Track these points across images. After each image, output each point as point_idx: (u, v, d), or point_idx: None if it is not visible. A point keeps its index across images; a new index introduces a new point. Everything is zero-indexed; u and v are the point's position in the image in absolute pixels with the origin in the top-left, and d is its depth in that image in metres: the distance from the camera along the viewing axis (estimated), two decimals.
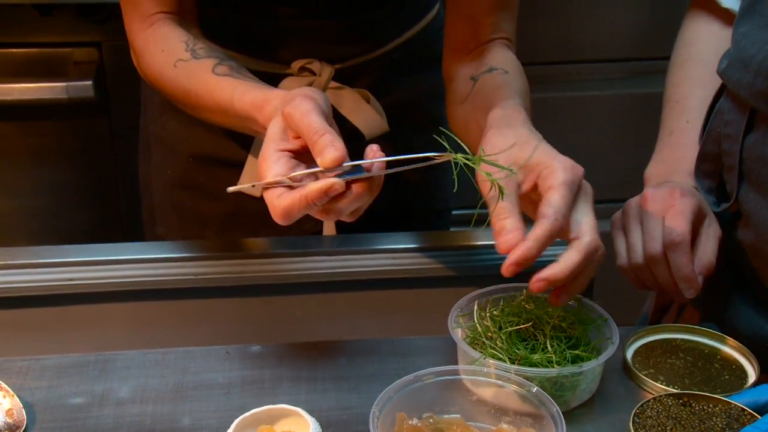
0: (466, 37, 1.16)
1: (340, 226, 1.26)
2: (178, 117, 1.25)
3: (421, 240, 1.15)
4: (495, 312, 1.00)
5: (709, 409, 0.90)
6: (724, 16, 1.18)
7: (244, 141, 1.23)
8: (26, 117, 1.91)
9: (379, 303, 1.17)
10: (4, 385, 0.94)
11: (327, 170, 0.88)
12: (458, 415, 0.92)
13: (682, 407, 0.91)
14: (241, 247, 1.16)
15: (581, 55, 2.10)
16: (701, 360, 1.01)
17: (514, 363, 0.93)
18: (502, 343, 0.95)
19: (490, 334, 0.97)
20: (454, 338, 0.96)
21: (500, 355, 0.94)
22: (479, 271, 1.15)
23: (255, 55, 1.20)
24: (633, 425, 0.88)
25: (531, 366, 0.92)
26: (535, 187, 0.92)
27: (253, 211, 1.26)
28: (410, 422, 0.88)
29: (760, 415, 0.88)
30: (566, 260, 0.89)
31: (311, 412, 0.90)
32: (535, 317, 0.97)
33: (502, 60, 1.12)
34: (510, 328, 0.96)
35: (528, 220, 0.92)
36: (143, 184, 1.38)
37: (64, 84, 1.83)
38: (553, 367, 0.92)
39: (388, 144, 1.07)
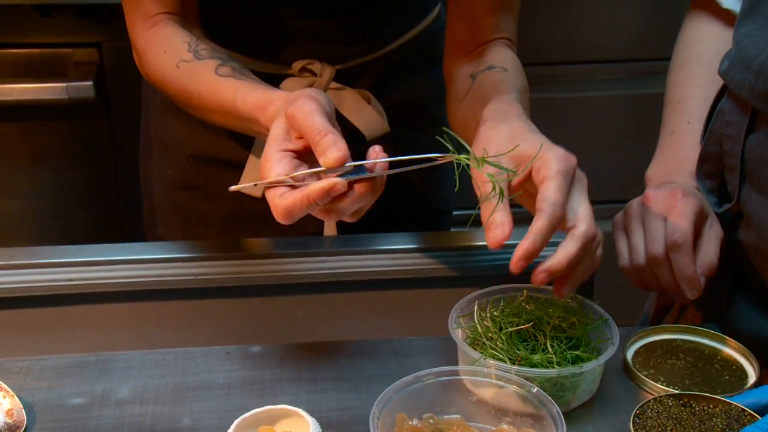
0: (467, 37, 1.16)
1: (341, 226, 1.26)
2: (180, 117, 1.25)
3: (421, 240, 1.15)
4: (495, 312, 1.00)
5: (710, 410, 0.90)
6: (725, 16, 1.18)
7: (245, 141, 1.23)
8: (26, 117, 1.91)
9: (379, 303, 1.17)
10: (4, 385, 0.93)
11: (329, 170, 0.88)
12: (458, 416, 0.92)
13: (682, 408, 0.91)
14: (242, 247, 1.16)
15: (582, 55, 2.10)
16: (701, 360, 1.01)
17: (514, 363, 0.92)
18: (503, 343, 0.95)
19: (490, 335, 0.97)
20: (454, 339, 0.96)
21: (500, 356, 0.94)
22: (479, 271, 1.15)
23: (256, 55, 1.20)
24: (633, 426, 0.88)
25: (531, 366, 0.92)
26: (528, 177, 0.92)
27: (253, 211, 1.26)
28: (410, 423, 0.88)
29: (762, 417, 0.88)
30: (564, 250, 0.89)
31: (311, 413, 0.90)
32: (536, 318, 0.97)
33: (502, 58, 1.12)
34: (510, 329, 0.96)
35: (525, 219, 0.92)
36: (144, 185, 1.38)
37: (64, 84, 1.83)
38: (553, 367, 0.92)
39: (388, 144, 1.07)
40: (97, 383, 0.98)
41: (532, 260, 0.89)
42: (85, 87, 1.83)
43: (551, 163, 0.89)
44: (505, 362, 0.93)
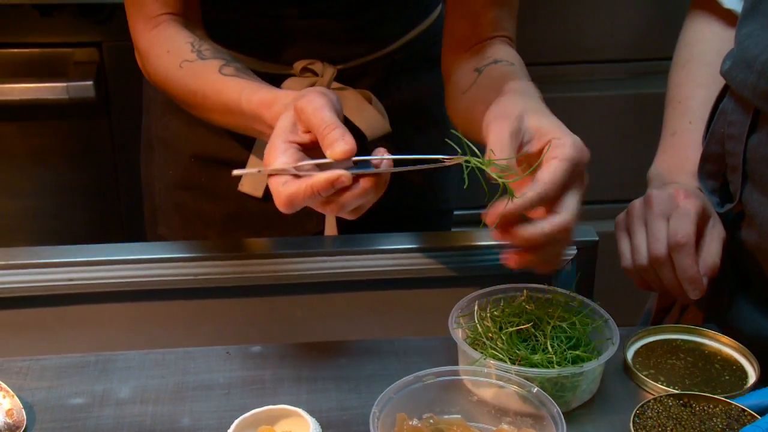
0: (467, 33, 1.15)
1: (342, 226, 1.26)
2: (181, 117, 1.25)
3: (422, 240, 1.15)
4: (495, 312, 1.00)
5: (710, 410, 0.90)
6: (726, 16, 1.18)
7: (247, 142, 1.23)
8: (26, 117, 1.91)
9: (379, 303, 1.17)
10: (4, 385, 0.93)
11: (335, 164, 0.87)
12: (459, 416, 0.92)
13: (682, 408, 0.91)
14: (242, 247, 1.16)
15: (582, 55, 2.10)
16: (701, 360, 1.01)
17: (514, 363, 0.92)
18: (503, 343, 0.95)
19: (490, 335, 0.97)
20: (454, 339, 0.96)
21: (501, 356, 0.94)
22: (480, 271, 1.15)
23: (257, 55, 1.20)
24: (633, 426, 0.88)
25: (531, 366, 0.92)
26: (539, 153, 0.90)
27: (255, 211, 1.26)
28: (410, 423, 0.88)
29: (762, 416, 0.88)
30: (536, 225, 0.88)
31: (311, 413, 0.90)
32: (536, 318, 0.97)
33: (506, 54, 1.11)
34: (510, 329, 0.96)
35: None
36: (145, 185, 1.38)
37: (64, 84, 1.83)
38: (553, 367, 0.92)
39: (390, 145, 1.07)
40: (97, 383, 0.98)
41: (507, 224, 0.87)
42: (85, 87, 1.83)
43: (567, 147, 0.88)
44: (506, 362, 0.93)
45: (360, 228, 1.22)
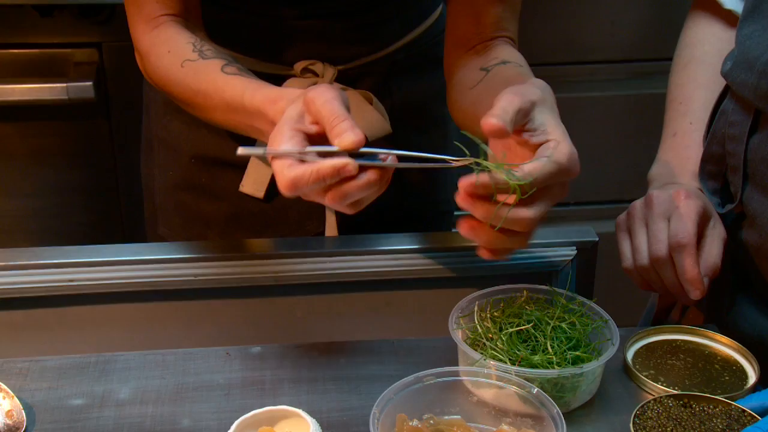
0: (469, 32, 1.15)
1: (342, 227, 1.26)
2: (181, 118, 1.25)
3: (422, 241, 1.15)
4: (495, 313, 1.00)
5: (710, 410, 0.90)
6: (727, 17, 1.18)
7: (247, 142, 1.22)
8: (26, 118, 1.91)
9: (379, 304, 1.17)
10: (4, 386, 0.93)
11: (341, 153, 0.87)
12: (459, 416, 0.92)
13: (682, 408, 0.91)
14: (243, 247, 1.16)
15: (582, 56, 2.10)
16: (701, 361, 1.01)
17: (514, 364, 0.92)
18: (503, 344, 0.95)
19: (490, 335, 0.97)
20: (454, 339, 0.96)
21: (501, 356, 0.94)
22: (480, 272, 1.15)
23: (257, 56, 1.20)
24: (633, 426, 0.88)
25: (531, 367, 0.92)
26: (534, 147, 0.90)
27: (255, 212, 1.26)
28: (411, 423, 0.88)
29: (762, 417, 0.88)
30: (500, 207, 0.86)
31: (312, 413, 0.90)
32: (536, 318, 0.97)
33: (513, 56, 1.11)
34: (510, 329, 0.96)
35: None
36: (145, 185, 1.38)
37: (64, 85, 1.83)
38: (553, 368, 0.92)
39: (391, 145, 1.07)
40: (97, 384, 0.98)
41: (474, 193, 0.85)
42: (85, 87, 1.83)
43: (563, 154, 0.87)
44: (506, 363, 0.93)
45: (360, 228, 1.22)
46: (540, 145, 0.89)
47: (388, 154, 0.89)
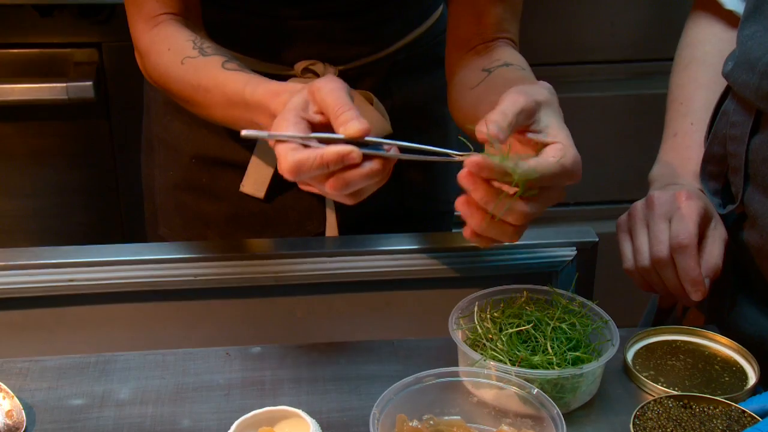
0: (470, 32, 1.15)
1: (343, 227, 1.26)
2: (182, 118, 1.25)
3: (422, 241, 1.15)
4: (495, 313, 1.00)
5: (710, 411, 0.90)
6: (728, 17, 1.18)
7: (248, 142, 1.23)
8: (26, 118, 1.91)
9: (379, 304, 1.17)
10: (3, 386, 0.93)
11: (345, 142, 0.87)
12: (459, 417, 0.92)
13: (682, 409, 0.91)
14: (243, 248, 1.16)
15: (583, 56, 2.10)
16: (702, 362, 1.01)
17: (514, 365, 0.92)
18: (503, 344, 0.95)
19: (490, 336, 0.97)
20: (454, 340, 0.96)
21: (501, 357, 0.94)
22: (480, 272, 1.15)
23: (258, 56, 1.20)
24: (634, 427, 0.88)
25: (531, 368, 0.92)
26: (536, 146, 0.90)
27: (255, 212, 1.26)
28: (410, 424, 0.88)
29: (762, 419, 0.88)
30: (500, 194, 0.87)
31: (312, 414, 0.90)
32: (536, 319, 0.97)
33: (516, 59, 1.11)
34: (510, 330, 0.96)
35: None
36: (146, 185, 1.38)
37: (64, 85, 1.83)
38: (553, 368, 0.92)
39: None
40: (97, 384, 0.98)
41: (478, 173, 0.85)
42: (85, 87, 1.83)
43: (568, 158, 0.87)
44: (506, 363, 0.93)
45: (360, 229, 1.22)
46: (543, 146, 0.89)
47: (392, 145, 0.89)
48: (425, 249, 1.15)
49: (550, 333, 0.95)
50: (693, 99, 1.17)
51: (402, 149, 0.90)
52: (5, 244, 1.99)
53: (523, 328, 0.96)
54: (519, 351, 0.94)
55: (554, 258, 1.16)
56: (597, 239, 1.17)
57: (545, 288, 1.03)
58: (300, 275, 1.13)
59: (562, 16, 2.06)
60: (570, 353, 0.94)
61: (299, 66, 1.20)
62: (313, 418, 0.89)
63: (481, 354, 0.94)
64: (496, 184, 0.86)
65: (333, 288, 1.15)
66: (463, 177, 0.86)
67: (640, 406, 0.91)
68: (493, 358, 0.94)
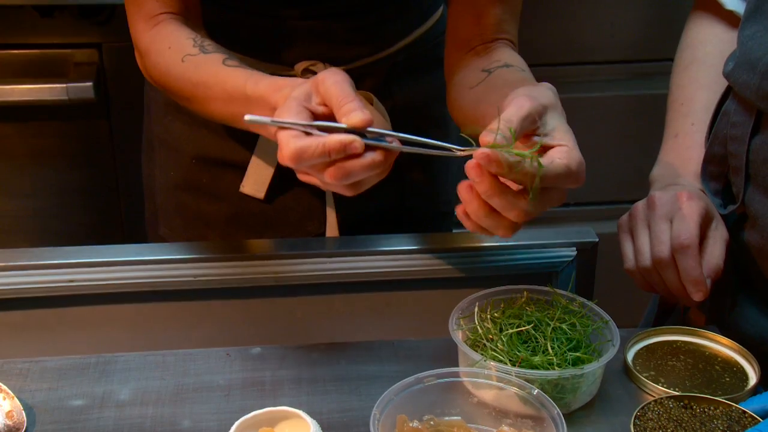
0: (470, 33, 1.15)
1: (343, 227, 1.26)
2: (182, 118, 1.25)
3: (422, 242, 1.15)
4: (496, 314, 1.00)
5: (710, 412, 0.90)
6: (729, 18, 1.18)
7: (248, 143, 1.23)
8: (26, 118, 1.91)
9: (380, 305, 1.17)
10: (4, 386, 0.93)
11: (348, 131, 0.87)
12: (459, 417, 0.91)
13: (683, 409, 0.91)
14: (243, 248, 1.16)
15: (583, 56, 2.10)
16: (702, 362, 1.01)
17: (514, 365, 0.92)
18: (503, 345, 0.95)
19: (491, 336, 0.97)
20: (454, 340, 0.96)
21: (501, 357, 0.94)
22: (480, 273, 1.15)
23: (258, 56, 1.20)
24: (634, 427, 0.88)
25: (532, 368, 0.92)
26: (541, 147, 0.90)
27: (255, 213, 1.26)
28: (411, 424, 0.88)
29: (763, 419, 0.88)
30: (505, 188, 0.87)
31: (312, 414, 0.90)
32: (536, 319, 0.97)
33: (516, 60, 1.11)
34: (511, 330, 0.96)
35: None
36: (146, 186, 1.38)
37: (64, 85, 1.83)
38: (554, 369, 0.92)
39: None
40: (97, 385, 0.98)
41: (488, 163, 0.84)
42: (85, 88, 1.83)
43: (574, 161, 0.87)
44: (506, 364, 0.93)
45: (361, 229, 1.22)
46: (548, 148, 0.89)
47: (395, 137, 0.89)
48: (425, 249, 1.15)
49: (551, 333, 0.95)
50: (694, 99, 1.17)
51: (404, 142, 0.90)
52: (5, 244, 1.99)
53: (524, 328, 0.96)
54: (519, 351, 0.94)
55: (554, 258, 1.16)
56: (597, 239, 1.17)
57: (545, 288, 1.03)
58: (300, 275, 1.13)
59: (562, 16, 2.06)
60: (570, 354, 0.94)
61: (299, 66, 1.20)
62: (314, 419, 0.89)
63: (482, 354, 0.94)
64: (501, 180, 0.86)
65: (333, 288, 1.15)
66: (470, 168, 0.86)
67: (640, 407, 0.91)
68: (494, 359, 0.94)
